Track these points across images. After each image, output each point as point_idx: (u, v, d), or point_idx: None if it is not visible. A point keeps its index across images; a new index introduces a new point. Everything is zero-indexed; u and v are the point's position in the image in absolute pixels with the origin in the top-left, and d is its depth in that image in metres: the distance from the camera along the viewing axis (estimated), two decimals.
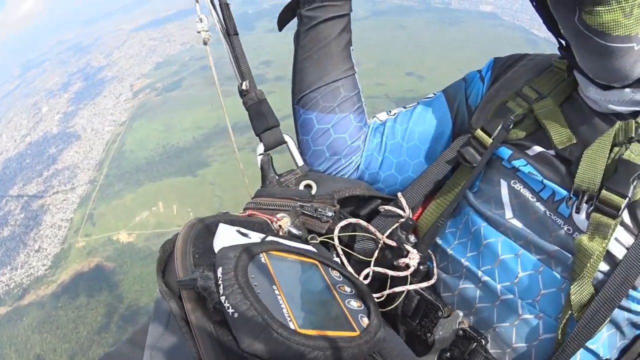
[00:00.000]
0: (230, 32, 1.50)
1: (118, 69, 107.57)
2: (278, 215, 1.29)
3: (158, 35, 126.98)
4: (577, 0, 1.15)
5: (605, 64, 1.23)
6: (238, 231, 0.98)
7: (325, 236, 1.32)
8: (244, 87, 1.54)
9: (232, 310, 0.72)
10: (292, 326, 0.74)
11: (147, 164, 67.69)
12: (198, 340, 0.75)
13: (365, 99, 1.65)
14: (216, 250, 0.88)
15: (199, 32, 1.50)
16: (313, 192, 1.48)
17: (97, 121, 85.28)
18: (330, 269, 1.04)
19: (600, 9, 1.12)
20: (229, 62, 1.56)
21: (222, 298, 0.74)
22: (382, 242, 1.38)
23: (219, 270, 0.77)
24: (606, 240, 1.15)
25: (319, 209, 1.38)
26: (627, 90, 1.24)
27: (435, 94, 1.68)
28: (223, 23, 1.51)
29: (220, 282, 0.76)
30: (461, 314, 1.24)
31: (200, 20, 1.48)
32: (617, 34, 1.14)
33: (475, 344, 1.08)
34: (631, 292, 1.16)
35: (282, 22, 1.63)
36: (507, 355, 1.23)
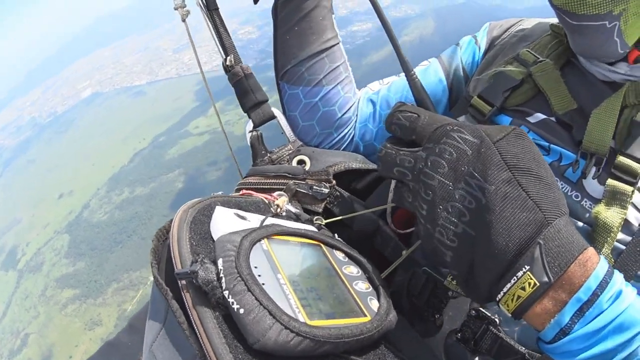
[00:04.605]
0: (210, 6, 1.41)
1: None
2: (275, 194, 1.23)
3: None
4: None
5: (576, 41, 1.21)
6: (236, 214, 0.92)
7: (333, 219, 1.23)
8: (228, 62, 1.45)
9: (237, 306, 0.68)
10: (301, 318, 0.70)
11: None
12: (201, 337, 0.70)
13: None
14: (214, 236, 0.83)
15: (176, 9, 1.40)
16: (307, 167, 1.41)
17: None
18: (334, 249, 0.99)
19: None
20: None
21: (226, 292, 0.69)
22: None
23: (220, 261, 0.72)
24: (625, 210, 1.09)
25: (314, 186, 1.31)
26: (619, 63, 1.20)
27: (429, 62, 1.61)
28: None
29: (222, 275, 0.71)
30: None
31: None
32: (583, 12, 1.09)
33: (489, 323, 1.02)
34: None
35: None
36: (515, 332, 1.18)
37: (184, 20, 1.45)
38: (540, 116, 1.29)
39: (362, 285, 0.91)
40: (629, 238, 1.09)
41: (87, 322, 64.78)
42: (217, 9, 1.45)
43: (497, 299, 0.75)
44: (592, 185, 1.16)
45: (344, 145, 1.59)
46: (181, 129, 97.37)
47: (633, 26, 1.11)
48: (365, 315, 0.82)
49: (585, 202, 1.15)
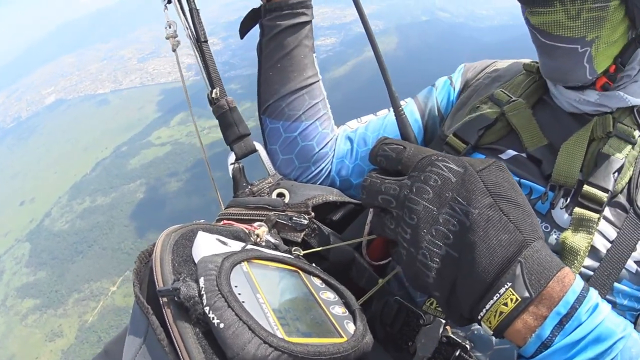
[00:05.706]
0: (200, 38, 1.47)
1: None
2: (255, 224, 1.26)
3: None
4: (521, 0, 1.19)
5: (547, 62, 1.28)
6: (218, 239, 0.95)
7: (311, 250, 1.27)
8: (213, 95, 1.50)
9: (218, 321, 0.70)
10: (279, 334, 0.72)
11: None
12: (181, 352, 0.71)
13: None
14: (196, 260, 0.85)
15: (167, 39, 1.45)
16: (286, 200, 1.46)
17: None
18: (312, 276, 1.02)
19: (542, 9, 1.15)
20: None
21: (207, 308, 0.71)
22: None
23: (201, 280, 0.75)
24: (591, 236, 1.15)
25: (294, 218, 1.36)
26: (588, 90, 1.27)
27: (406, 102, 1.68)
28: (192, 29, 1.47)
29: (203, 292, 0.73)
30: (443, 321, 1.20)
31: (169, 26, 1.43)
32: (558, 34, 1.16)
33: (460, 350, 1.07)
34: (616, 285, 1.15)
35: (243, 31, 1.61)
36: (488, 357, 1.22)
37: (174, 50, 1.49)
38: (512, 152, 1.36)
39: (339, 310, 0.93)
40: (596, 264, 1.15)
41: (48, 334, 62.52)
42: (206, 41, 1.51)
43: (480, 316, 0.78)
44: (560, 215, 1.22)
45: (321, 179, 1.65)
46: (143, 139, 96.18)
47: (603, 54, 1.19)
48: (342, 337, 0.84)
49: (555, 232, 1.21)
